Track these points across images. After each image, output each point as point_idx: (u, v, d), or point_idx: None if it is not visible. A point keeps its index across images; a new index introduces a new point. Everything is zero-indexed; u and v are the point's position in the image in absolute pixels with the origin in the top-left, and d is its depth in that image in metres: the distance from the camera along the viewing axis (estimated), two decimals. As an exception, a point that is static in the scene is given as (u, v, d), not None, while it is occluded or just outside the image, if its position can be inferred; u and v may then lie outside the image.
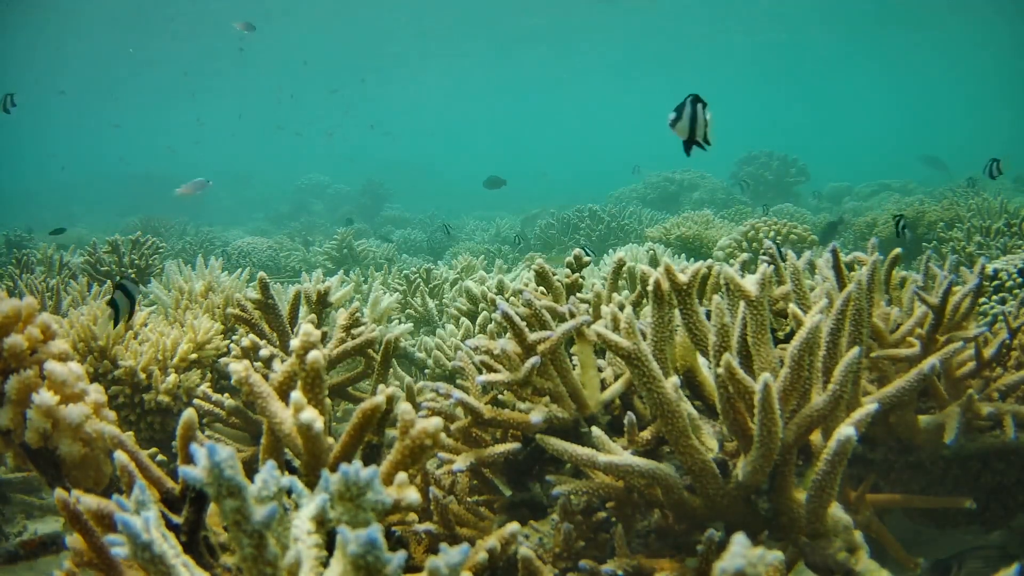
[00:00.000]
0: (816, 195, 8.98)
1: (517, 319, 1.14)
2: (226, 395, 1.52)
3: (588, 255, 2.03)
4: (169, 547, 0.62)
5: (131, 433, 1.54)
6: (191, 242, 6.62)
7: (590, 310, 1.49)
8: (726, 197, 8.92)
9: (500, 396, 1.30)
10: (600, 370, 1.28)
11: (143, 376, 1.79)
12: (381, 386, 1.41)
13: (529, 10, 18.14)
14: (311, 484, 0.81)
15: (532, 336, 1.16)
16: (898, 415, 1.35)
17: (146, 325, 1.97)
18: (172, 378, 1.80)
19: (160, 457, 1.55)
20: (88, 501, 0.77)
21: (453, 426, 1.20)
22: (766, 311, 1.07)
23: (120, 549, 0.62)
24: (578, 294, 1.61)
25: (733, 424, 1.01)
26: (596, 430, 1.05)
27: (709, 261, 1.51)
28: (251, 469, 0.70)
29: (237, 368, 0.86)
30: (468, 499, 1.22)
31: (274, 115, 21.46)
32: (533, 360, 1.13)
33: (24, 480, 1.73)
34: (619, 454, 1.01)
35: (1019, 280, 2.28)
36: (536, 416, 1.11)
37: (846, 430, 0.88)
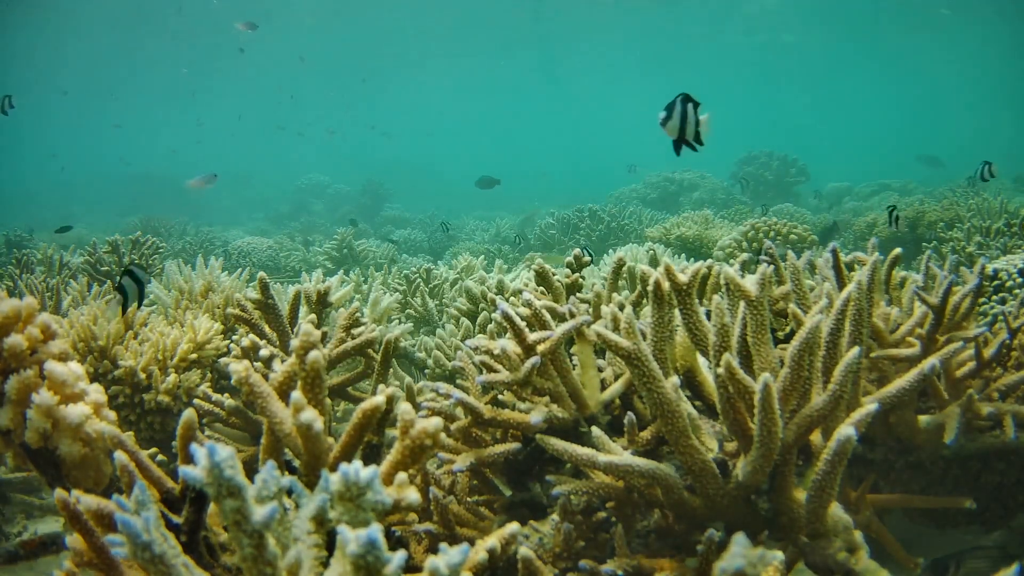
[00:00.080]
0: (817, 195, 8.98)
1: (517, 319, 1.14)
2: (226, 395, 1.52)
3: (588, 255, 2.03)
4: (169, 547, 0.62)
5: (131, 433, 1.54)
6: (191, 242, 6.62)
7: (590, 310, 1.49)
8: (726, 197, 8.92)
9: (500, 396, 1.30)
10: (600, 370, 1.28)
11: (143, 376, 1.79)
12: (381, 386, 1.41)
13: (529, 10, 18.15)
14: (311, 484, 0.81)
15: (532, 336, 1.16)
16: (898, 415, 1.35)
17: (146, 325, 1.96)
18: (172, 378, 1.80)
19: (160, 457, 1.55)
20: (88, 501, 0.77)
21: (453, 426, 1.20)
22: (766, 311, 1.07)
23: (120, 549, 0.62)
24: (578, 294, 1.61)
25: (733, 424, 1.01)
26: (596, 430, 1.05)
27: (709, 261, 1.51)
28: (251, 469, 0.70)
29: (237, 368, 0.86)
30: (468, 499, 1.22)
31: (274, 115, 21.46)
32: (533, 360, 1.13)
33: (24, 480, 1.73)
34: (619, 454, 1.01)
35: (1019, 280, 2.28)
36: (536, 416, 1.11)
37: (846, 430, 0.88)
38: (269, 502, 0.63)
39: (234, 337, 2.00)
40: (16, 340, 1.14)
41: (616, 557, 1.02)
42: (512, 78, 26.60)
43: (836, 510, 0.98)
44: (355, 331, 1.54)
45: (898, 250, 1.50)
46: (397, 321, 2.74)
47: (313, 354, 0.85)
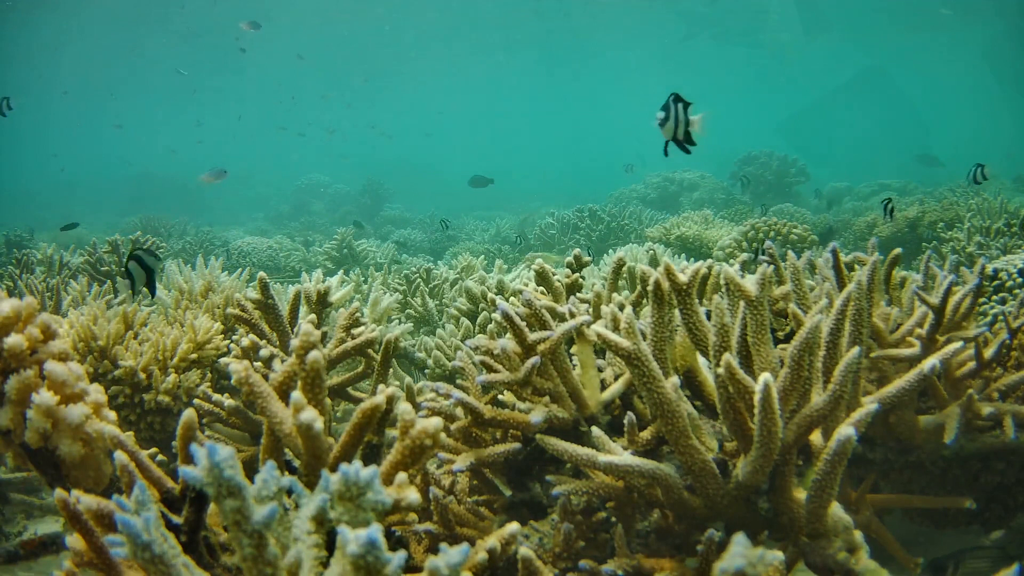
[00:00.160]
0: (817, 194, 8.98)
1: (517, 319, 1.14)
2: (226, 395, 1.52)
3: (588, 255, 2.04)
4: (169, 547, 0.62)
5: (131, 433, 1.54)
6: (191, 242, 6.62)
7: (590, 310, 1.49)
8: (726, 197, 8.92)
9: (500, 396, 1.30)
10: (600, 370, 1.28)
11: (143, 376, 1.79)
12: (381, 386, 1.41)
13: (528, 9, 18.14)
14: (311, 484, 0.81)
15: (532, 336, 1.16)
16: (898, 415, 1.35)
17: (146, 325, 1.97)
18: (172, 378, 1.80)
19: (160, 457, 1.55)
20: (88, 501, 0.77)
21: (453, 426, 1.20)
22: (766, 311, 1.07)
23: (120, 549, 0.62)
24: (578, 294, 1.61)
25: (733, 424, 1.01)
26: (596, 430, 1.05)
27: (709, 261, 1.51)
28: (251, 469, 0.70)
29: (237, 368, 0.86)
30: (468, 499, 1.22)
31: (275, 115, 21.46)
32: (533, 360, 1.13)
33: (24, 480, 1.73)
34: (619, 454, 1.01)
35: (1019, 280, 2.28)
36: (536, 416, 1.11)
37: (846, 430, 0.88)
38: (269, 502, 0.63)
39: (234, 337, 2.00)
40: (16, 340, 1.14)
41: (616, 557, 1.02)
42: (512, 78, 26.60)
43: (836, 510, 0.98)
44: (355, 331, 1.54)
45: (898, 250, 1.50)
46: (397, 321, 2.74)
47: (313, 354, 0.85)
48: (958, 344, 1.30)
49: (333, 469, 0.81)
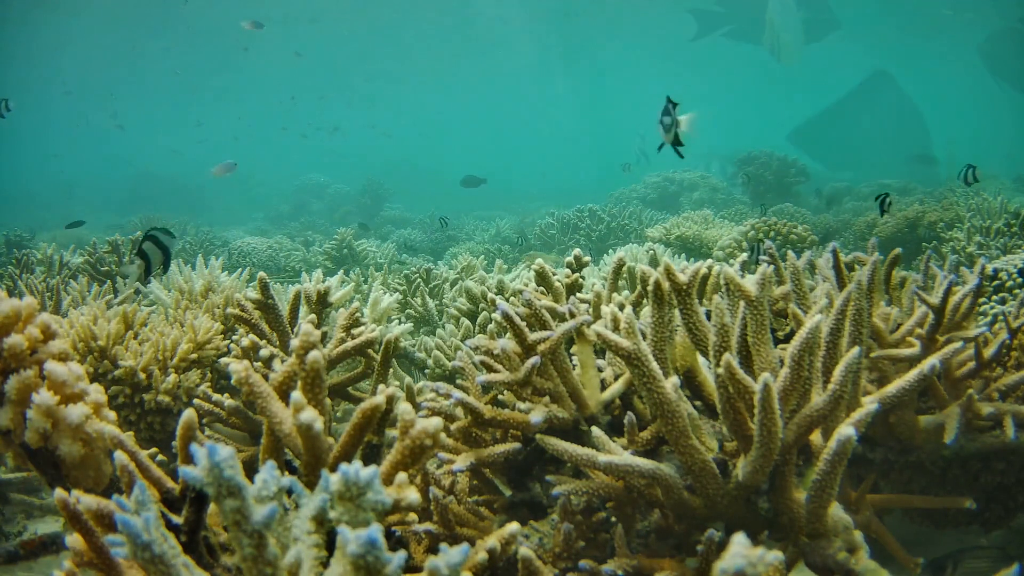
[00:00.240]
0: (818, 193, 8.97)
1: (517, 319, 1.14)
2: (226, 395, 1.52)
3: (586, 256, 2.04)
4: (169, 547, 0.62)
5: (131, 433, 1.54)
6: (191, 242, 6.62)
7: (590, 310, 1.49)
8: (726, 197, 8.92)
9: (500, 396, 1.30)
10: (600, 370, 1.28)
11: (143, 376, 1.79)
12: (381, 386, 1.41)
13: (528, 9, 18.14)
14: (311, 484, 0.81)
15: (532, 336, 1.16)
16: (898, 415, 1.35)
17: (146, 325, 1.97)
18: (172, 378, 1.80)
19: (160, 457, 1.55)
20: (88, 501, 0.77)
21: (453, 426, 1.20)
22: (766, 311, 1.07)
23: (120, 549, 0.62)
24: (578, 294, 1.61)
25: (733, 424, 1.01)
26: (596, 430, 1.05)
27: (709, 261, 1.51)
28: (251, 469, 0.70)
29: (237, 368, 0.86)
30: (468, 499, 1.22)
31: (275, 115, 21.46)
32: (533, 360, 1.13)
33: (24, 480, 1.72)
34: (619, 454, 1.01)
35: (1019, 280, 2.28)
36: (536, 416, 1.11)
37: (846, 430, 0.88)
38: (269, 502, 0.64)
39: (234, 337, 2.00)
40: (16, 340, 1.14)
41: (616, 557, 1.02)
42: (512, 78, 26.59)
43: (836, 510, 0.98)
44: (355, 331, 1.54)
45: (898, 250, 1.50)
46: (397, 321, 2.74)
47: (313, 354, 0.85)
48: (958, 344, 1.30)
49: (333, 469, 0.81)
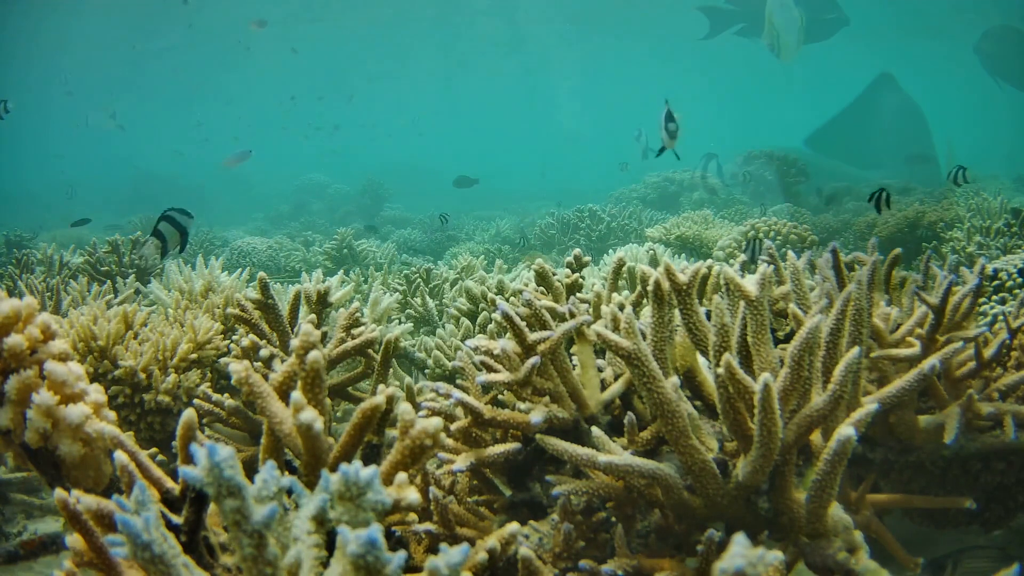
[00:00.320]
0: (819, 193, 8.97)
1: (517, 319, 1.14)
2: (226, 395, 1.52)
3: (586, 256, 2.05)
4: (169, 547, 0.62)
5: (131, 433, 1.54)
6: (191, 242, 6.61)
7: (590, 310, 1.49)
8: (726, 197, 8.92)
9: (500, 396, 1.30)
10: (600, 370, 1.28)
11: (143, 376, 1.79)
12: (381, 386, 1.42)
13: (527, 8, 18.14)
14: (311, 484, 0.81)
15: (532, 336, 1.16)
16: (898, 415, 1.35)
17: (146, 325, 1.97)
18: (172, 378, 1.80)
19: (160, 457, 1.55)
20: (88, 501, 0.77)
21: (453, 426, 1.20)
22: (766, 311, 1.07)
23: (120, 549, 0.62)
24: (578, 294, 1.61)
25: (733, 424, 1.01)
26: (596, 430, 1.05)
27: (709, 261, 1.51)
28: (251, 469, 0.70)
29: (237, 368, 0.86)
30: (468, 499, 1.22)
31: (275, 115, 21.44)
32: (533, 360, 1.13)
33: (24, 480, 1.72)
34: (619, 454, 1.01)
35: (1019, 280, 2.28)
36: (536, 416, 1.11)
37: (846, 430, 0.88)
38: (269, 502, 0.64)
39: (234, 337, 2.00)
40: (16, 340, 1.14)
41: (616, 557, 1.02)
42: (512, 79, 26.58)
43: (836, 510, 0.98)
44: (355, 331, 1.54)
45: (898, 250, 1.50)
46: (397, 321, 2.74)
47: (313, 354, 0.85)
48: (958, 344, 1.30)
49: (333, 469, 0.81)
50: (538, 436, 1.09)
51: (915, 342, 1.35)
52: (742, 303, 1.07)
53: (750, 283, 1.07)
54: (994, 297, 2.26)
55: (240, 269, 2.54)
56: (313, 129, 18.17)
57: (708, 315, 1.16)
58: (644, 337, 1.10)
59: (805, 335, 0.97)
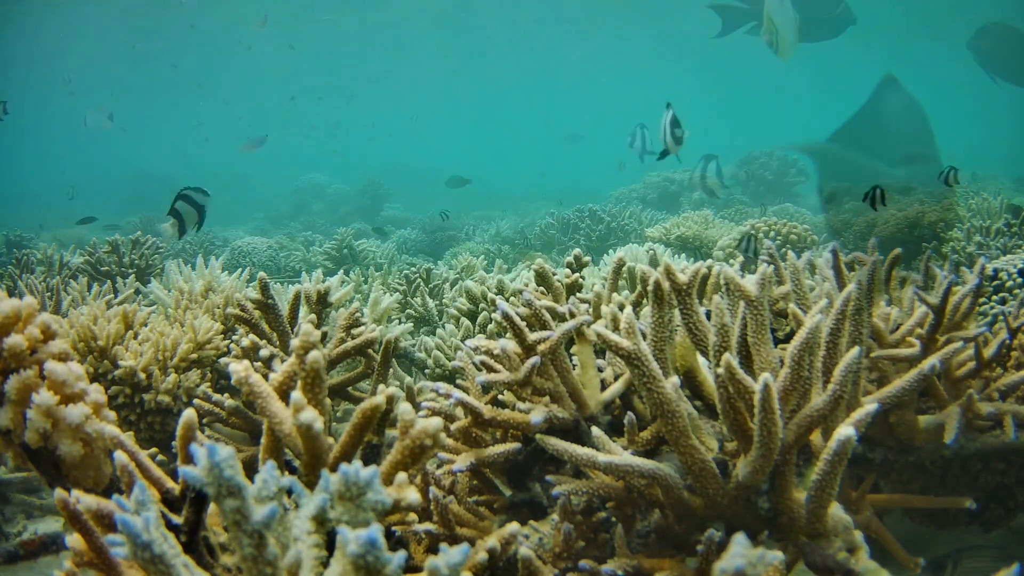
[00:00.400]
0: (819, 192, 8.97)
1: (517, 319, 1.14)
2: (226, 395, 1.52)
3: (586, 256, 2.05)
4: (169, 547, 0.62)
5: (131, 433, 1.54)
6: (191, 242, 6.62)
7: (590, 310, 1.49)
8: (726, 197, 8.92)
9: (500, 396, 1.30)
10: (600, 370, 1.28)
11: (143, 376, 1.79)
12: (381, 386, 1.42)
13: (527, 7, 18.12)
14: (311, 484, 0.81)
15: (532, 336, 1.16)
16: (898, 415, 1.35)
17: (146, 325, 1.97)
18: (172, 378, 1.80)
19: (160, 457, 1.55)
20: (88, 501, 0.77)
21: (453, 426, 1.20)
22: (766, 311, 1.07)
23: (120, 549, 0.62)
24: (578, 294, 1.61)
25: (733, 424, 1.01)
26: (596, 430, 1.05)
27: (709, 261, 1.51)
28: (251, 469, 0.70)
29: (237, 368, 0.86)
30: (468, 499, 1.22)
31: (275, 115, 21.44)
32: (533, 360, 1.13)
33: (24, 480, 1.73)
34: (619, 454, 1.01)
35: (1019, 280, 2.28)
36: (536, 416, 1.11)
37: (846, 430, 0.88)
38: (269, 502, 0.64)
39: (234, 337, 2.00)
40: (16, 340, 1.14)
41: (616, 557, 1.02)
42: (512, 80, 26.58)
43: (836, 510, 0.98)
44: (355, 331, 1.54)
45: (898, 250, 1.50)
46: (397, 321, 2.74)
47: (313, 354, 0.85)
48: (958, 344, 1.30)
49: (333, 469, 0.81)
50: (538, 436, 1.09)
51: (915, 342, 1.35)
52: (742, 303, 1.07)
53: (750, 283, 1.07)
54: (994, 297, 2.26)
55: (240, 269, 2.54)
56: (312, 128, 18.18)
57: (708, 315, 1.16)
58: (644, 337, 1.10)
59: (805, 335, 0.97)
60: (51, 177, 16.18)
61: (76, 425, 1.14)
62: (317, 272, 2.25)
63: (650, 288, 1.12)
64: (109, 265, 3.54)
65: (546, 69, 25.07)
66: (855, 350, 0.98)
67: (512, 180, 17.97)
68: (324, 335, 1.66)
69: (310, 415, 0.76)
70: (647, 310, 1.17)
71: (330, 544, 0.63)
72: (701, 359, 1.23)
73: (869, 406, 0.97)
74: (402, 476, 0.75)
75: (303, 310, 1.81)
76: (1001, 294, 2.27)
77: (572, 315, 1.29)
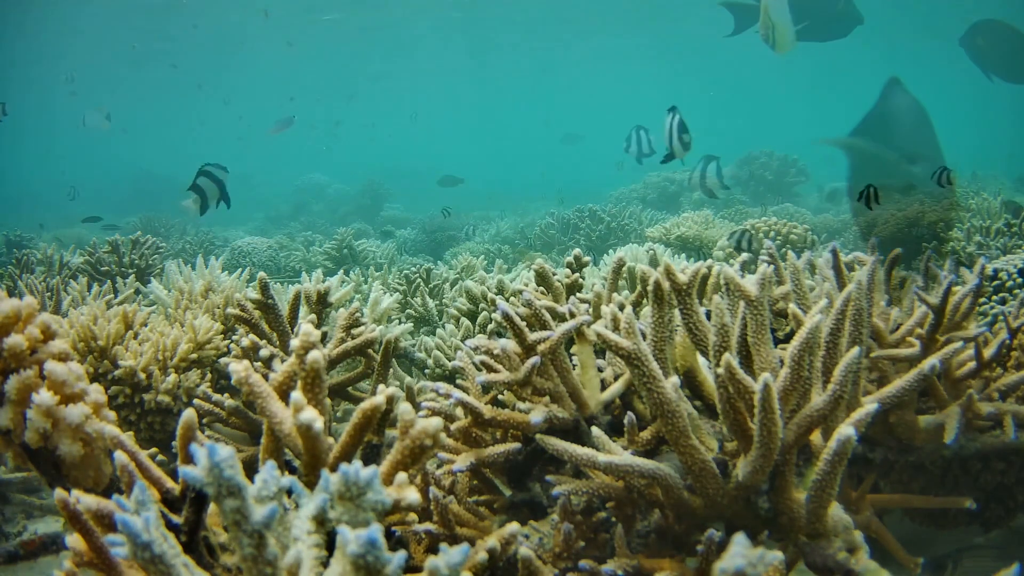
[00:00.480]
0: (820, 191, 8.97)
1: (517, 319, 1.14)
2: (226, 395, 1.52)
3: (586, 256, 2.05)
4: (169, 547, 0.62)
5: (131, 433, 1.54)
6: (191, 242, 6.62)
7: (590, 310, 1.49)
8: (726, 197, 8.92)
9: (500, 396, 1.30)
10: (600, 370, 1.28)
11: (143, 376, 1.79)
12: (381, 386, 1.41)
13: (525, 11, 18.12)
14: (311, 484, 0.81)
15: (532, 336, 1.16)
16: (898, 415, 1.35)
17: (146, 325, 1.97)
18: (172, 378, 1.80)
19: (160, 457, 1.55)
20: (88, 501, 0.77)
21: (453, 426, 1.20)
22: (766, 311, 1.07)
23: (120, 549, 0.62)
24: (578, 294, 1.61)
25: (733, 424, 1.01)
26: (596, 430, 1.05)
27: (709, 261, 1.51)
28: (251, 469, 0.70)
29: (237, 368, 0.86)
30: (468, 499, 1.22)
31: (275, 115, 21.41)
32: (533, 360, 1.13)
33: (24, 480, 1.73)
34: (619, 454, 1.01)
35: (1019, 280, 2.28)
36: (536, 416, 1.11)
37: (846, 430, 0.88)
38: (269, 502, 0.64)
39: (234, 337, 2.00)
40: (16, 340, 1.14)
41: (616, 557, 1.02)
42: (511, 80, 26.58)
43: (836, 510, 0.98)
44: (355, 331, 1.54)
45: (898, 250, 1.50)
46: (397, 321, 2.74)
47: (313, 354, 0.85)
48: (958, 344, 1.30)
49: (333, 469, 0.81)
50: (538, 436, 1.09)
51: (915, 342, 1.35)
52: (742, 303, 1.07)
53: (750, 283, 1.07)
54: (994, 297, 2.26)
55: (240, 269, 2.54)
56: (312, 128, 18.19)
57: (708, 315, 1.16)
58: (644, 337, 1.10)
59: (805, 335, 0.97)
60: (51, 177, 16.18)
61: (76, 425, 1.14)
62: (317, 272, 2.25)
63: (650, 288, 1.12)
64: (109, 265, 3.54)
65: (546, 69, 25.07)
66: (855, 350, 0.98)
67: (512, 180, 17.98)
68: (324, 335, 1.66)
69: (310, 415, 0.76)
70: (647, 310, 1.17)
71: (330, 544, 0.63)
72: (701, 359, 1.23)
73: (869, 406, 0.97)
74: (402, 476, 0.75)
75: (303, 310, 1.81)
76: (1001, 294, 2.27)
77: (572, 315, 1.29)
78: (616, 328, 1.21)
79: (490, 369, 1.19)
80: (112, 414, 1.23)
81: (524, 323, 1.17)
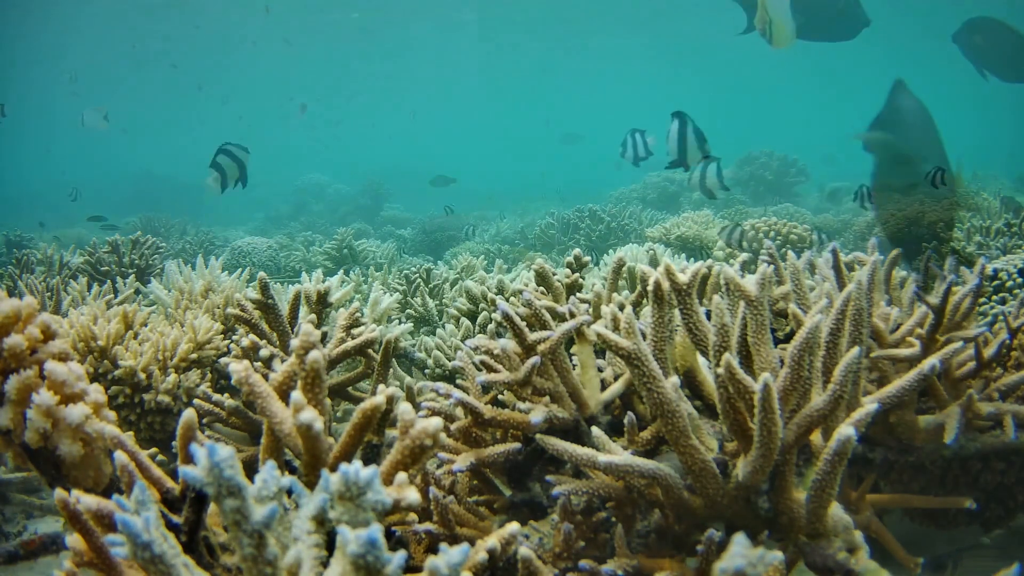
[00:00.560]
0: (820, 191, 8.97)
1: (517, 319, 1.14)
2: (226, 395, 1.52)
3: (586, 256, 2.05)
4: (169, 547, 0.62)
5: (131, 433, 1.54)
6: (191, 242, 6.62)
7: (590, 310, 1.49)
8: (727, 197, 8.92)
9: (500, 396, 1.30)
10: (600, 370, 1.28)
11: (143, 376, 1.79)
12: (381, 386, 1.42)
13: (525, 11, 18.13)
14: (311, 484, 0.81)
15: (532, 336, 1.16)
16: (898, 415, 1.35)
17: (146, 325, 1.97)
18: (172, 378, 1.80)
19: (160, 457, 1.55)
20: (88, 501, 0.77)
21: (453, 426, 1.20)
22: (766, 311, 1.07)
23: (120, 549, 0.62)
24: (578, 294, 1.61)
25: (733, 424, 1.01)
26: (596, 430, 1.05)
27: (709, 261, 1.51)
28: (251, 469, 0.70)
29: (237, 368, 0.86)
30: (468, 499, 1.22)
31: (275, 115, 21.45)
32: (533, 360, 1.13)
33: (24, 480, 1.73)
34: (619, 454, 1.01)
35: (1019, 280, 2.28)
36: (536, 416, 1.11)
37: (846, 430, 0.88)
38: (269, 502, 0.64)
39: (234, 337, 2.00)
40: (16, 340, 1.14)
41: (616, 557, 1.02)
42: (511, 80, 26.59)
43: (836, 510, 0.98)
44: (355, 331, 1.54)
45: (898, 250, 1.50)
46: (397, 321, 2.74)
47: (313, 354, 0.85)
48: (958, 344, 1.30)
49: (333, 469, 0.81)
50: (538, 436, 1.09)
51: (915, 342, 1.35)
52: (742, 303, 1.07)
53: (750, 283, 1.07)
54: (994, 297, 2.26)
55: (240, 269, 2.54)
56: (312, 128, 18.21)
57: (708, 315, 1.16)
58: (644, 337, 1.10)
59: (805, 335, 0.97)
60: (52, 177, 16.18)
61: (76, 425, 1.14)
62: (317, 272, 2.25)
63: (650, 288, 1.12)
64: (109, 265, 3.54)
65: (547, 69, 25.08)
66: (855, 350, 0.98)
67: (512, 180, 17.99)
68: (324, 335, 1.66)
69: (310, 415, 0.76)
70: (647, 310, 1.17)
71: (330, 544, 0.63)
72: (701, 359, 1.23)
73: (869, 406, 0.97)
74: (402, 476, 0.75)
75: (303, 310, 1.81)
76: (1001, 294, 2.27)
77: (572, 315, 1.28)
78: (616, 328, 1.21)
79: (490, 369, 1.19)
80: (112, 414, 1.23)
81: (524, 323, 1.17)
